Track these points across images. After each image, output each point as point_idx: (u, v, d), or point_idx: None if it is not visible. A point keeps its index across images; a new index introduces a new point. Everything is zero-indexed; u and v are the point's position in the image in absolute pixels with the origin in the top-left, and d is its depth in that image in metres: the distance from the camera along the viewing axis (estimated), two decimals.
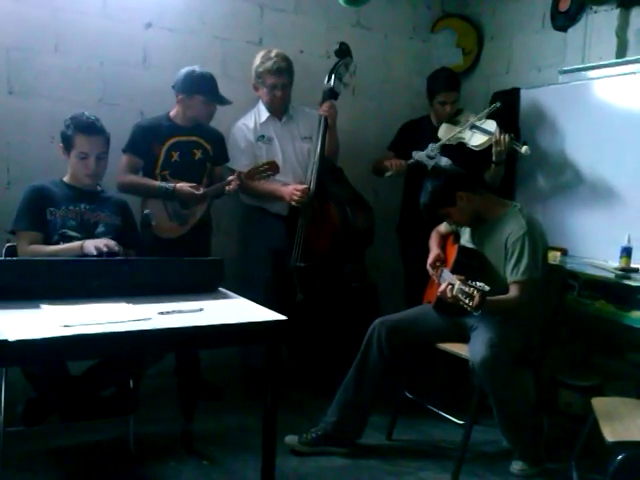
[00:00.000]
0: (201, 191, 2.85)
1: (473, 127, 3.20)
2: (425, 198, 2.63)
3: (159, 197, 2.85)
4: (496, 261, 2.60)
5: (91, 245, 2.27)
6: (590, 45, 3.30)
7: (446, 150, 3.25)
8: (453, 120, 3.31)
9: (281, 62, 3.09)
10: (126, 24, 3.12)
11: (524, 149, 3.02)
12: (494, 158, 3.09)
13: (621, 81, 3.05)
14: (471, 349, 2.48)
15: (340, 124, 3.23)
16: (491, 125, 3.15)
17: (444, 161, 3.24)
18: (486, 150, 3.14)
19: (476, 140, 3.18)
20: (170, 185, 2.83)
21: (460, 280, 2.33)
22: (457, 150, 3.22)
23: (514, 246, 2.52)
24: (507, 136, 3.04)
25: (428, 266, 2.78)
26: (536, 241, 2.54)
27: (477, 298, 2.23)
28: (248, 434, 2.67)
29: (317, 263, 3.14)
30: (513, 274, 2.51)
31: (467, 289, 2.27)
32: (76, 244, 2.32)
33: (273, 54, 3.10)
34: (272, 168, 2.91)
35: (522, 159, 3.28)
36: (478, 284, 2.26)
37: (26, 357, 1.67)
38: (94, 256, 2.22)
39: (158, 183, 2.86)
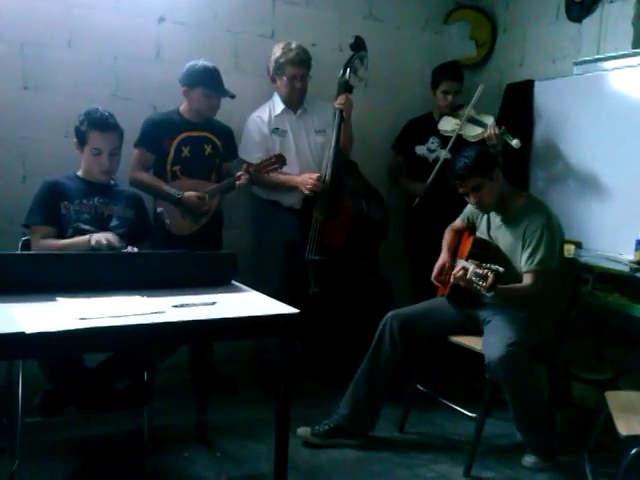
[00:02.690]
0: (206, 203, 2.86)
1: (470, 120, 3.31)
2: (469, 160, 2.52)
3: (167, 200, 2.87)
4: (512, 252, 2.60)
5: (93, 238, 2.30)
6: (605, 36, 3.25)
7: (447, 144, 3.32)
8: (454, 114, 3.40)
9: (302, 54, 3.13)
10: (139, 19, 3.13)
11: (514, 142, 3.09)
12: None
13: (637, 72, 3.00)
14: (487, 346, 2.46)
15: (352, 117, 3.22)
16: (488, 119, 3.27)
17: (444, 154, 3.33)
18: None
19: (471, 131, 3.28)
20: (179, 193, 2.84)
21: (475, 264, 2.35)
22: (459, 145, 3.22)
23: (532, 236, 2.52)
24: (497, 129, 3.13)
25: (432, 278, 2.80)
26: (554, 232, 2.54)
27: (491, 278, 2.25)
28: (261, 426, 2.69)
29: (332, 256, 3.14)
30: (528, 263, 2.51)
31: (481, 271, 2.30)
32: (84, 237, 2.33)
33: (294, 46, 3.13)
34: (279, 160, 2.92)
35: (537, 152, 3.27)
36: (492, 266, 2.30)
37: (42, 349, 1.70)
38: (94, 250, 2.24)
39: (167, 188, 2.87)
